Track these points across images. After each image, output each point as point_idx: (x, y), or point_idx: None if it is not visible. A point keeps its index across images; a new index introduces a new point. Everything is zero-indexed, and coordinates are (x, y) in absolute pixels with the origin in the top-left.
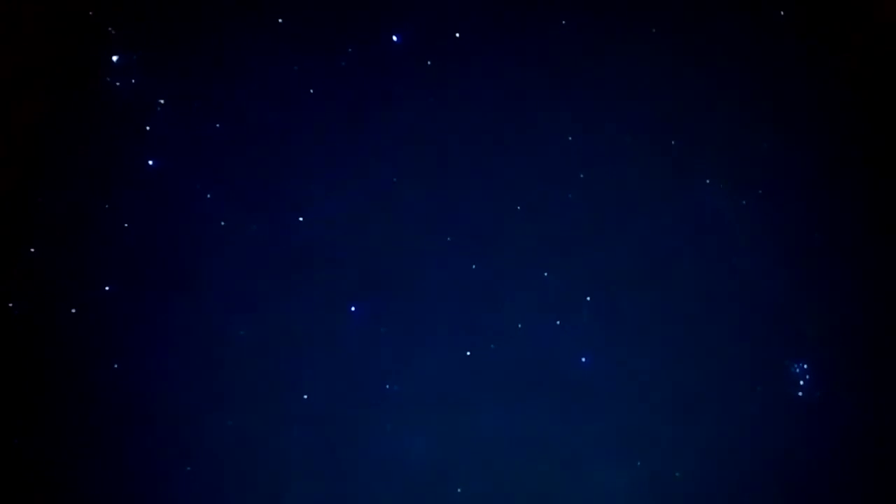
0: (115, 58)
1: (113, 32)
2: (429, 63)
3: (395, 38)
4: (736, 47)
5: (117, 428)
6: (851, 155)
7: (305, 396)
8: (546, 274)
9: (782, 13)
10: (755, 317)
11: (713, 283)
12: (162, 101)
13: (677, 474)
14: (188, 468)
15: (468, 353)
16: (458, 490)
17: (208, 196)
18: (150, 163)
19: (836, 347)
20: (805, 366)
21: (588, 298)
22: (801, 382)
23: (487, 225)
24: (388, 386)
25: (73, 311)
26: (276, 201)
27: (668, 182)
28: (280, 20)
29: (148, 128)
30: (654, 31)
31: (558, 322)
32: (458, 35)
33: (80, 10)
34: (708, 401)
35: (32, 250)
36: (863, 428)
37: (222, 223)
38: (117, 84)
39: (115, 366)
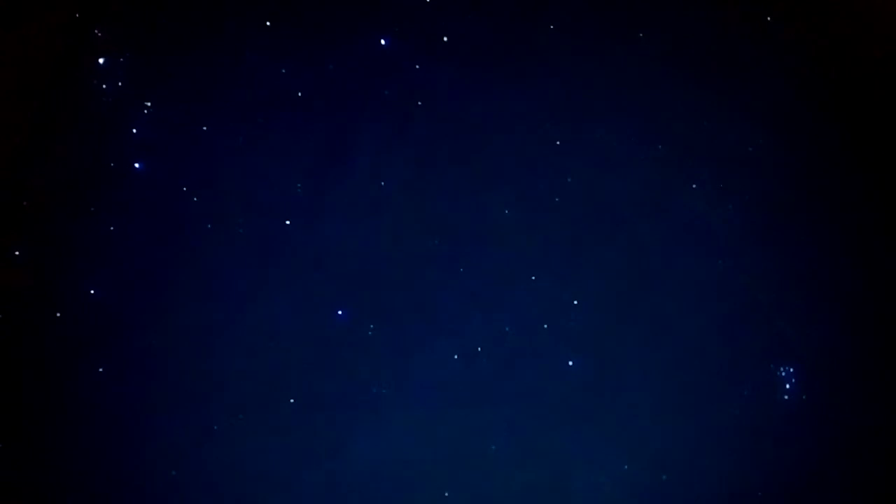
0: (101, 60)
1: (99, 35)
2: (417, 67)
3: (382, 41)
4: (723, 52)
5: (102, 432)
6: (838, 160)
7: (292, 400)
8: (533, 277)
9: (769, 18)
10: (741, 320)
11: (700, 287)
12: (148, 104)
13: (664, 477)
14: (173, 472)
15: (455, 357)
16: (446, 494)
17: (195, 199)
18: (137, 165)
19: (822, 351)
20: (791, 370)
21: (575, 302)
22: (788, 386)
23: (475, 228)
24: (374, 389)
25: (58, 314)
26: (262, 204)
27: (656, 186)
28: (268, 23)
29: (134, 130)
30: (641, 35)
31: (546, 325)
32: (445, 39)
33: (66, 12)
34: (694, 404)
35: (17, 253)
36: (849, 431)
37: (209, 226)
38: (103, 87)
39: (101, 370)
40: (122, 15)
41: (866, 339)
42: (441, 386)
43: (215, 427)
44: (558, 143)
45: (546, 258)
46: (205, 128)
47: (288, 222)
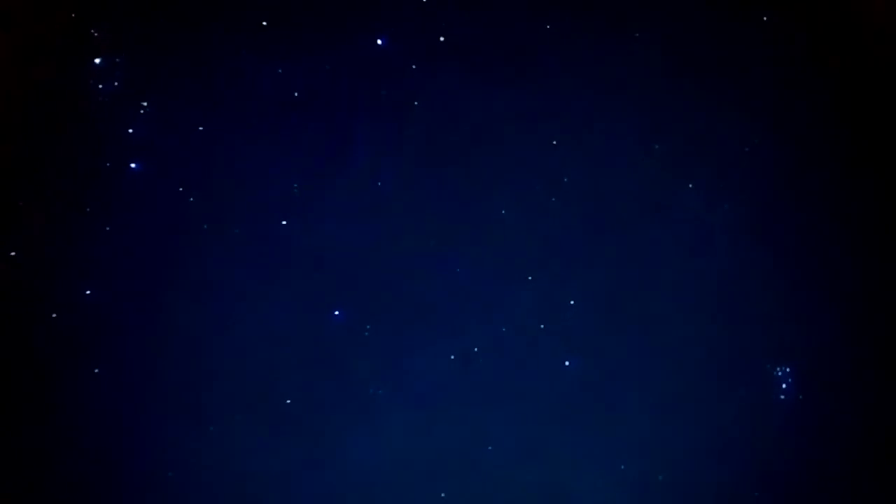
0: (97, 60)
1: (96, 35)
2: (413, 67)
3: (379, 41)
4: (719, 52)
5: (98, 432)
6: (836, 160)
7: (289, 401)
8: (530, 277)
9: (765, 18)
10: (738, 321)
11: (696, 287)
12: (144, 104)
13: (660, 477)
14: (170, 473)
15: (452, 357)
16: (442, 494)
17: (191, 199)
18: (133, 165)
19: (818, 351)
20: (787, 369)
21: (572, 302)
22: (784, 386)
23: (472, 228)
24: (371, 390)
25: (54, 315)
26: (259, 205)
27: (652, 186)
28: (264, 23)
29: (130, 130)
30: (638, 35)
31: (542, 325)
32: (442, 39)
33: (63, 11)
34: (691, 404)
35: (13, 254)
36: (845, 431)
37: (205, 226)
38: (100, 86)
39: (96, 370)
40: (119, 15)
41: (863, 339)
42: (438, 386)
43: (212, 428)
44: (555, 143)
45: (543, 258)
46: (201, 128)
47: (284, 222)
